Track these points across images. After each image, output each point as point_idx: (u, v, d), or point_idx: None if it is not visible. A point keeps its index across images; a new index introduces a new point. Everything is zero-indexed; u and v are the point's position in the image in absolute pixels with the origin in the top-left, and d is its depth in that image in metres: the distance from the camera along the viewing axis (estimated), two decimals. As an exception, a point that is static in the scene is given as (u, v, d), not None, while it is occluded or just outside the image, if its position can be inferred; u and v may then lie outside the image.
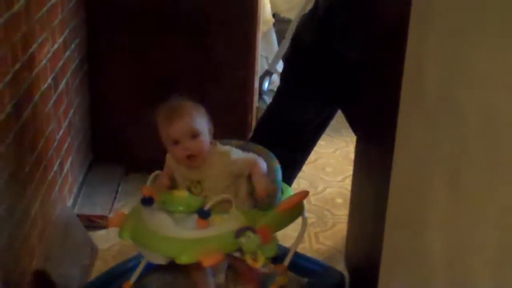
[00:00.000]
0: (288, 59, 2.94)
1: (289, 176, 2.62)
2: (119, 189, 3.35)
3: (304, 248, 2.98)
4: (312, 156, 3.07)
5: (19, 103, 2.19)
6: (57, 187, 2.69)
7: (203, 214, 2.02)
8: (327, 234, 3.11)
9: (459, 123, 1.25)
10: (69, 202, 2.95)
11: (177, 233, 2.02)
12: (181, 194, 2.10)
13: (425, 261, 1.45)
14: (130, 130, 3.39)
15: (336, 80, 2.59)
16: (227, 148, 2.17)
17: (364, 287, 2.25)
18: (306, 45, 2.66)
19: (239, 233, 1.99)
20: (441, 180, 1.35)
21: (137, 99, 3.35)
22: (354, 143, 2.76)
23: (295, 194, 2.24)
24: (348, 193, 2.90)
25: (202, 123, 2.09)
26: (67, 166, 2.87)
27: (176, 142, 2.08)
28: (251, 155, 2.18)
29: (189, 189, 2.14)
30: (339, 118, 2.92)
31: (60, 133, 2.75)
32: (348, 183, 3.22)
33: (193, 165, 2.10)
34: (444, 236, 1.33)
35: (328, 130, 3.01)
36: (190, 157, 2.08)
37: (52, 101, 2.60)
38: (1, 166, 2.03)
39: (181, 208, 2.08)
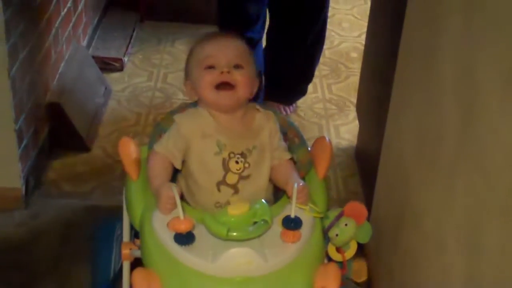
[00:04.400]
0: None
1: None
2: (134, 34, 3.33)
3: (317, 97, 3.00)
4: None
5: None
6: (71, 24, 2.68)
7: (295, 223, 1.37)
8: (340, 85, 3.12)
9: None
10: (84, 43, 2.94)
11: (271, 264, 1.34)
12: (241, 208, 1.35)
13: (435, 83, 1.45)
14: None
15: None
16: (266, 108, 1.61)
17: (372, 134, 2.27)
18: None
19: (331, 226, 1.49)
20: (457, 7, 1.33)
21: None
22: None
23: (317, 146, 1.67)
24: (363, 48, 2.87)
25: (250, 61, 1.55)
26: (81, 4, 2.85)
27: (211, 66, 1.50)
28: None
29: (226, 169, 1.49)
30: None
31: (74, -30, 2.71)
32: (364, 38, 3.19)
33: (226, 102, 1.50)
34: (455, 56, 1.33)
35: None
36: (224, 85, 1.49)
37: None
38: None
39: (254, 232, 1.35)
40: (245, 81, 1.50)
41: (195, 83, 1.53)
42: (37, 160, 2.28)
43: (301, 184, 1.45)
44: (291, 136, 1.64)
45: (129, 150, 1.61)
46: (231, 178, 1.49)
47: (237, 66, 1.50)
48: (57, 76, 2.51)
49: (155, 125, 1.70)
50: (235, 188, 1.49)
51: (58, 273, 1.96)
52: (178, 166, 1.51)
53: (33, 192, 2.25)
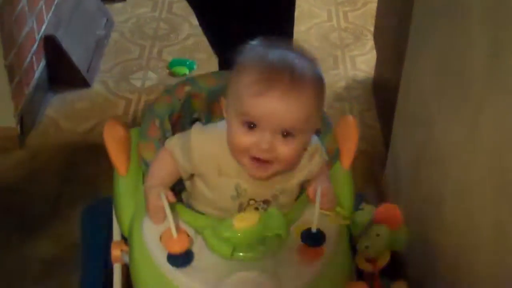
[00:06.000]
0: None
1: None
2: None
3: (332, 26, 2.83)
4: None
5: None
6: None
7: (317, 239, 1.12)
8: (356, 13, 2.94)
9: None
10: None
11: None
12: (249, 219, 1.09)
13: (461, 10, 1.29)
14: None
15: None
16: (312, 140, 1.21)
17: (391, 65, 2.11)
18: None
19: (363, 235, 1.19)
20: None
21: None
22: None
23: (341, 128, 1.36)
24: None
25: (312, 115, 1.12)
26: None
27: (251, 124, 1.10)
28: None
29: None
30: None
31: None
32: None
33: (259, 175, 1.14)
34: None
35: None
36: (260, 162, 1.12)
37: None
38: None
39: (265, 251, 1.10)
40: (290, 155, 1.12)
41: (227, 124, 1.14)
42: (33, 97, 2.16)
43: (325, 185, 1.17)
44: None
45: (116, 136, 1.31)
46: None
47: (287, 134, 1.10)
48: (53, 7, 2.35)
49: (148, 108, 1.37)
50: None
51: (57, 215, 1.86)
52: (185, 178, 1.22)
53: (29, 131, 2.13)
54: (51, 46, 2.24)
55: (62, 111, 2.25)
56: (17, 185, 1.95)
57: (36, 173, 2.00)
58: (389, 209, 1.19)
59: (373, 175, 2.01)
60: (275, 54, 1.11)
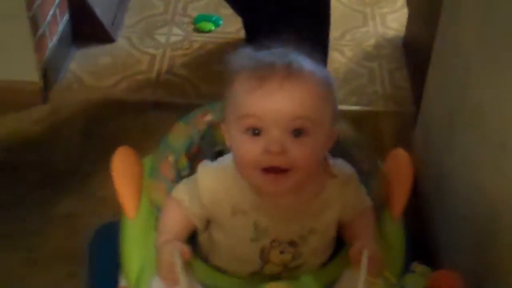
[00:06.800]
0: None
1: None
2: None
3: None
4: None
5: None
6: None
7: None
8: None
9: None
10: None
11: None
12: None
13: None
14: None
15: None
16: (344, 166, 1.06)
17: (424, 23, 2.04)
18: None
19: None
20: None
21: None
22: None
23: (391, 166, 1.16)
24: None
25: (323, 109, 0.96)
26: None
27: (256, 129, 0.94)
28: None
29: (265, 260, 1.02)
30: None
31: None
32: None
33: (276, 190, 0.96)
34: None
35: None
36: (276, 174, 0.94)
37: None
38: None
39: None
40: (306, 158, 0.93)
41: (231, 142, 0.98)
42: (56, 52, 2.11)
43: (372, 246, 0.97)
44: (358, 159, 1.11)
45: (126, 169, 1.12)
46: (272, 269, 1.03)
47: (298, 132, 0.93)
48: (77, -41, 2.30)
49: (162, 140, 1.16)
50: (277, 277, 1.02)
51: (80, 172, 1.83)
52: (200, 226, 1.05)
53: (52, 86, 2.09)
54: (75, -1, 2.20)
55: (85, 66, 2.21)
56: (39, 140, 1.92)
57: (58, 128, 1.97)
58: (446, 277, 0.98)
59: (402, 137, 1.95)
60: (268, 52, 0.97)
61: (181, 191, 1.04)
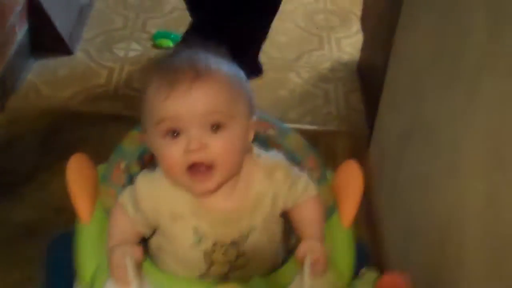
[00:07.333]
0: None
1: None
2: None
3: (318, 8, 2.81)
4: None
5: None
6: None
7: None
8: (344, -3, 2.92)
9: None
10: None
11: None
12: None
13: None
14: None
15: None
16: (272, 156, 1.09)
17: (378, 47, 2.11)
18: None
19: None
20: None
21: None
22: None
23: (342, 176, 1.16)
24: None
25: (236, 103, 1.00)
26: None
27: (174, 132, 0.98)
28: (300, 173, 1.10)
29: (210, 263, 1.05)
30: None
31: None
32: None
33: (203, 188, 1.00)
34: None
35: None
36: (197, 168, 0.98)
37: None
38: None
39: None
40: (229, 150, 0.98)
41: (154, 150, 1.02)
42: (14, 61, 2.11)
43: (316, 249, 0.99)
44: (309, 167, 1.15)
45: (80, 175, 1.12)
46: (219, 269, 1.05)
47: (216, 127, 0.97)
48: (38, -29, 2.30)
49: (116, 147, 1.17)
50: (225, 277, 1.05)
51: (36, 181, 1.82)
52: (146, 232, 1.07)
53: (9, 95, 2.08)
54: (34, 10, 2.19)
55: (43, 77, 2.21)
56: (-4, 149, 1.91)
57: (15, 137, 1.96)
58: (393, 281, 1.00)
59: (355, 156, 1.99)
60: (177, 58, 1.01)
61: (126, 198, 1.06)
